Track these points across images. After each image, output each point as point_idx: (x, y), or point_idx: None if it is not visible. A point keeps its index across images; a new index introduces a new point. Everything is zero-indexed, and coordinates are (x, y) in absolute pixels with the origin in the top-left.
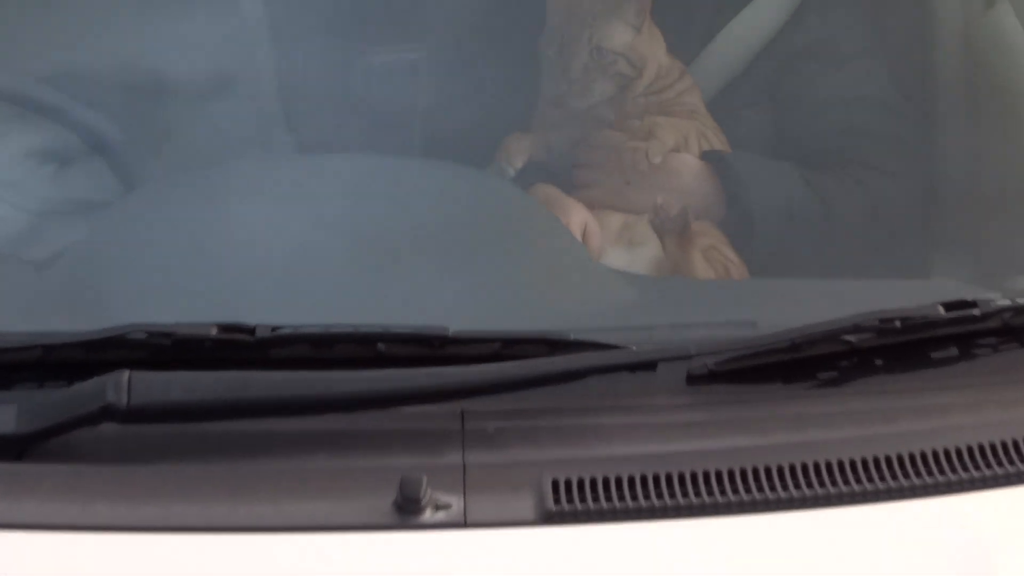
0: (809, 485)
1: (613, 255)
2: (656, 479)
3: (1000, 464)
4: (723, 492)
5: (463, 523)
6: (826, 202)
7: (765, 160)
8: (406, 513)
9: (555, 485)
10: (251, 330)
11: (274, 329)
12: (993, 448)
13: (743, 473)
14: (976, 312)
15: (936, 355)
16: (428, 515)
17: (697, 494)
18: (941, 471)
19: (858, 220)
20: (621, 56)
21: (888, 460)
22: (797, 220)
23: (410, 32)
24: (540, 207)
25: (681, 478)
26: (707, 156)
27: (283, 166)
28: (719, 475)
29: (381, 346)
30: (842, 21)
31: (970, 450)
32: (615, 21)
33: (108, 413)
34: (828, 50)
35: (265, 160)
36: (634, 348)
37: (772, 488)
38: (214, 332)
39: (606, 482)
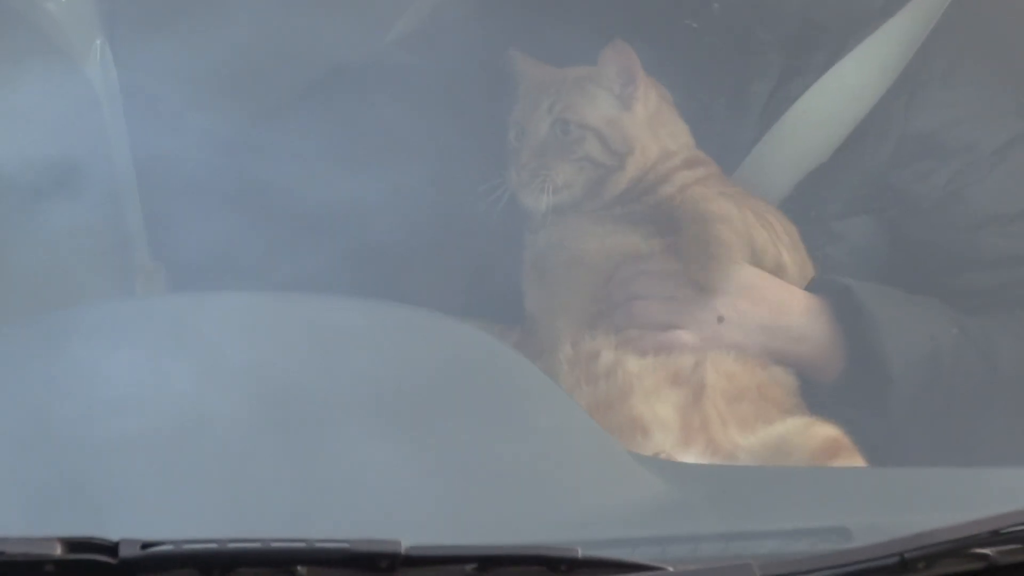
0: None
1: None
2: None
3: None
4: None
5: None
6: (986, 357)
7: (904, 295)
8: None
9: None
10: (112, 547)
11: (145, 545)
12: None
13: None
14: None
15: None
16: None
17: None
18: None
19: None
20: (591, 132)
21: None
22: (941, 382)
23: (332, 106)
24: (532, 367)
25: None
26: (817, 285)
27: (154, 308)
28: None
29: (301, 570)
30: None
31: None
32: (590, 87)
33: None
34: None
35: (128, 302)
36: (671, 569)
37: None
38: (58, 551)
39: None
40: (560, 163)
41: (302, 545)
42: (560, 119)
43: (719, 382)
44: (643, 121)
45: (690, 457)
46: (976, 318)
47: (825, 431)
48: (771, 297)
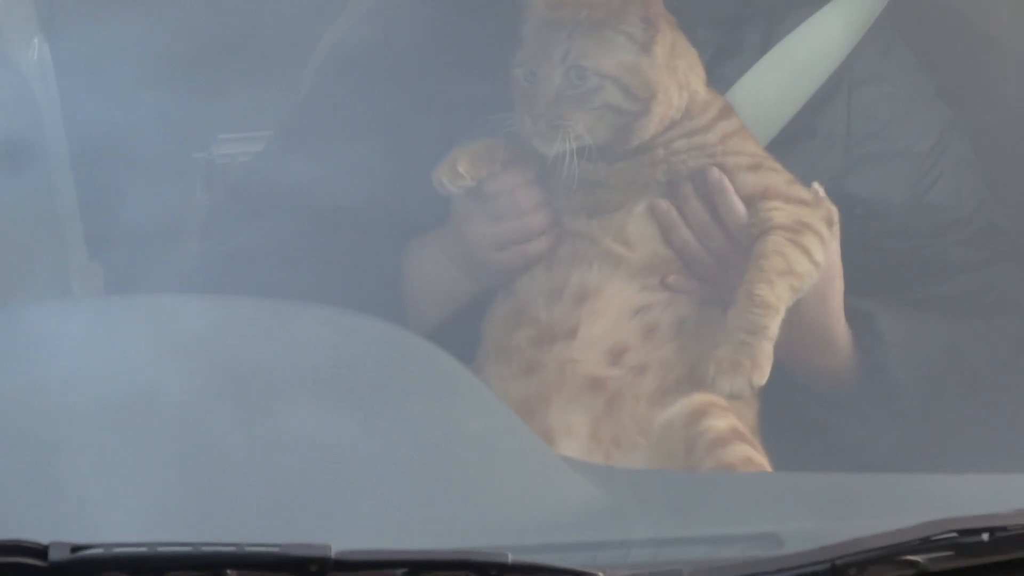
0: None
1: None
2: None
3: None
4: None
5: None
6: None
7: (910, 312)
8: None
9: None
10: (42, 550)
11: (75, 549)
12: None
13: None
14: None
15: None
16: None
17: None
18: None
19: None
20: (610, 80)
21: None
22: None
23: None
24: (462, 369)
25: None
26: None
27: (85, 309)
28: None
29: (232, 574)
30: None
31: None
32: (606, 32)
33: None
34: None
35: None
36: (602, 575)
37: None
38: None
39: None
40: (578, 112)
41: (232, 549)
42: (575, 66)
43: None
44: (663, 63)
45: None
46: (946, 325)
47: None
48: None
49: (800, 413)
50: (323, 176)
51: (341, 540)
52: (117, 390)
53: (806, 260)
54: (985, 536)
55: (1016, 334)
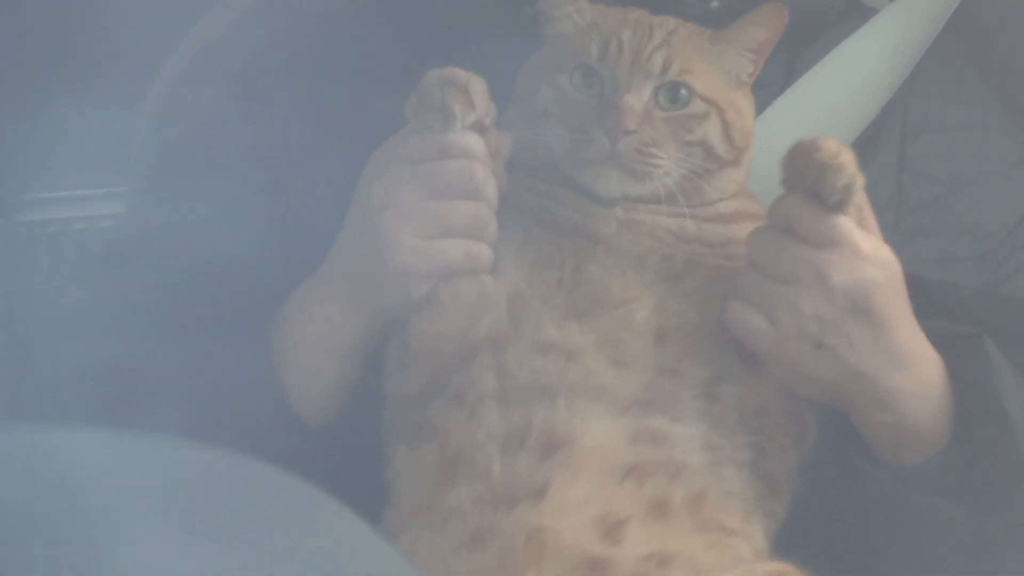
0: None
1: None
2: None
3: None
4: None
5: None
6: None
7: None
8: None
9: None
10: None
11: None
12: None
13: None
14: None
15: None
16: None
17: None
18: None
19: None
20: (716, 108)
21: None
22: None
23: None
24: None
25: None
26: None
27: None
28: None
29: None
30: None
31: None
32: (721, 47)
33: None
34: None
35: None
36: None
37: None
38: None
39: None
40: (667, 141)
41: None
42: (676, 82)
43: None
44: (749, 105)
45: None
46: None
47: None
48: None
49: None
50: (193, 232)
51: None
52: None
53: None
54: None
55: None
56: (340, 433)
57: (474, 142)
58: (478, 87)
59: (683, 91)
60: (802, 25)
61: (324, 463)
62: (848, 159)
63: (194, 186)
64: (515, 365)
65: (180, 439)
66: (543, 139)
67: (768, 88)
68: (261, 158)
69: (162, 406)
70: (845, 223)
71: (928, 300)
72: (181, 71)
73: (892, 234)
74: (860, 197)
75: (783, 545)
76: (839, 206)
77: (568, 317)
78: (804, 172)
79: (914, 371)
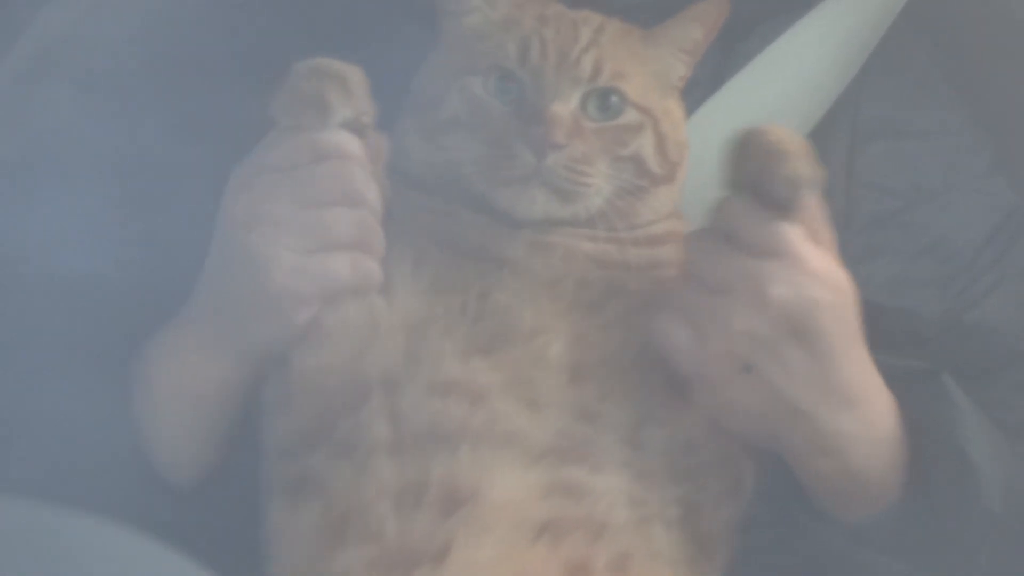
0: None
1: None
2: None
3: None
4: None
5: None
6: None
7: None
8: None
9: None
10: None
11: None
12: None
13: None
14: None
15: None
16: None
17: None
18: None
19: None
20: (650, 118)
21: None
22: None
23: None
24: None
25: None
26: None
27: None
28: None
29: None
30: None
31: None
32: (653, 49)
33: None
34: None
35: None
36: None
37: None
38: None
39: None
40: (598, 157)
41: None
42: (603, 89)
43: None
44: (681, 113)
45: None
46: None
47: None
48: None
49: None
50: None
51: None
52: None
53: None
54: None
55: None
56: (212, 492)
57: (350, 142)
58: (356, 77)
59: (614, 99)
60: (735, 17)
61: (194, 525)
62: (796, 147)
63: (37, 201)
64: (411, 408)
65: (25, 499)
66: (449, 153)
67: (696, 88)
68: (115, 169)
69: (7, 458)
70: (791, 231)
71: (881, 329)
72: (19, 70)
73: (840, 254)
74: (815, 206)
75: None
76: (786, 206)
77: (472, 351)
78: (745, 163)
79: (862, 411)
